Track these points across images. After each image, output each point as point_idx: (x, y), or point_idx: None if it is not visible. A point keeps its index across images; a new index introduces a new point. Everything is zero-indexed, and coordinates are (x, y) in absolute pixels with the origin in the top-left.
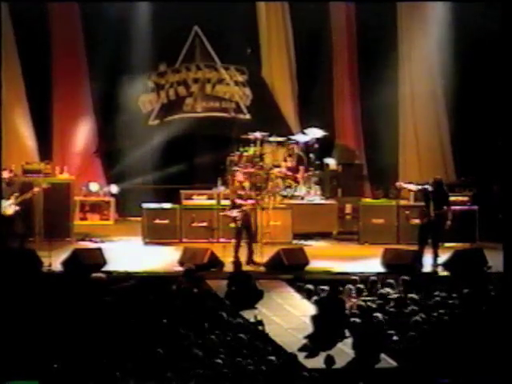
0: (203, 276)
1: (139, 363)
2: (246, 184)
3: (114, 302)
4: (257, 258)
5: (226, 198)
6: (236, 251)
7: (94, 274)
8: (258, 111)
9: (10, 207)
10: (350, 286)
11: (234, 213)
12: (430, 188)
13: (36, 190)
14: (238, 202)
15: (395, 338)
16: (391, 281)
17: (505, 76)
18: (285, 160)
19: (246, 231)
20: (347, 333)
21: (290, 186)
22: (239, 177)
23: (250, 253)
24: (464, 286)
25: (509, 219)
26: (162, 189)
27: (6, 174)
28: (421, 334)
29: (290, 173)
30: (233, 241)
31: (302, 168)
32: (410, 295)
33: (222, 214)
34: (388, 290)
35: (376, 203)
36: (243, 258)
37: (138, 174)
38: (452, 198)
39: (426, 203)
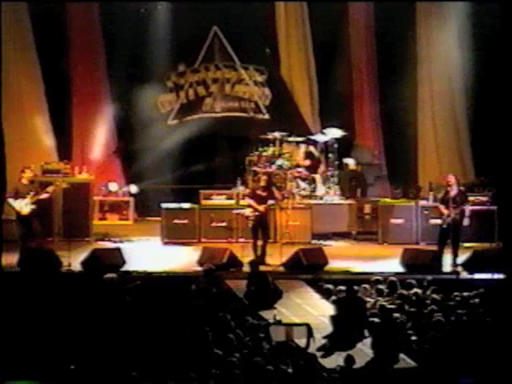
0: (222, 276)
1: (156, 364)
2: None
3: (132, 302)
4: (275, 259)
5: (244, 198)
6: (255, 251)
7: (107, 275)
8: (276, 111)
9: (26, 207)
10: (366, 286)
11: (247, 212)
12: (448, 188)
13: (51, 188)
14: (251, 203)
15: (414, 338)
16: (411, 281)
17: None
18: (304, 159)
19: (261, 231)
20: (366, 333)
21: (309, 186)
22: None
23: (263, 254)
24: (482, 286)
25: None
26: (181, 189)
27: (28, 173)
28: (440, 334)
29: (307, 172)
30: (252, 241)
31: (321, 167)
32: (430, 295)
33: (235, 212)
34: (408, 289)
35: (395, 203)
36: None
37: (157, 173)
38: (471, 198)
39: (446, 203)
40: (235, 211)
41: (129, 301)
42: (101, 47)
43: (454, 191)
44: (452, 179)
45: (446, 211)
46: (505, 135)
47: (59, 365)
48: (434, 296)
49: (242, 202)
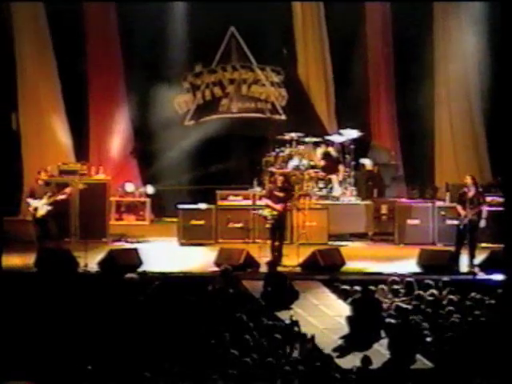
0: (239, 276)
1: (175, 363)
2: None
3: (149, 303)
4: (292, 259)
5: (261, 199)
6: (273, 251)
7: (128, 275)
8: (293, 112)
9: (42, 208)
10: (383, 287)
11: (265, 213)
12: (465, 189)
13: (68, 190)
14: (268, 202)
15: (429, 339)
16: (428, 281)
17: None
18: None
19: (278, 232)
20: (383, 334)
21: (325, 187)
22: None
23: (279, 255)
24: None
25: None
26: (197, 189)
27: (42, 175)
28: (457, 334)
29: (324, 173)
30: (268, 242)
31: (341, 167)
32: (446, 296)
33: (253, 212)
34: (424, 290)
35: (412, 204)
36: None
37: (174, 174)
38: (488, 199)
39: (463, 204)
40: (254, 212)
41: (145, 301)
42: (118, 47)
43: (471, 192)
44: (469, 180)
45: (463, 212)
46: None
47: (74, 365)
48: (451, 297)
49: (258, 203)
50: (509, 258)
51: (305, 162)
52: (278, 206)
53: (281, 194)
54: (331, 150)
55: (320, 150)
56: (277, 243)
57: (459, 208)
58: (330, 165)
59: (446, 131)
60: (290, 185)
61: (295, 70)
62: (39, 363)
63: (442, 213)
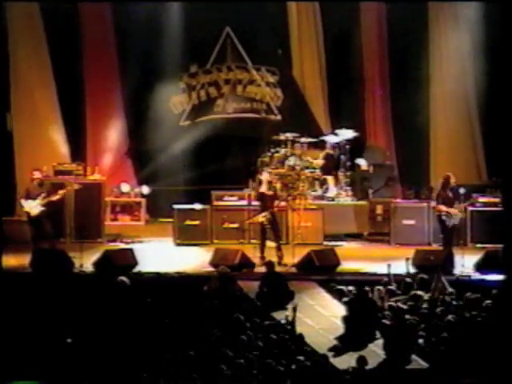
0: (234, 277)
1: (170, 363)
2: (278, 185)
3: (144, 303)
4: (287, 260)
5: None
6: (261, 251)
7: (119, 278)
8: (288, 112)
9: (35, 208)
10: (379, 287)
11: (260, 218)
12: (448, 187)
13: (62, 191)
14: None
15: (421, 340)
16: (424, 282)
17: None
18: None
19: (272, 232)
20: (378, 334)
21: (320, 187)
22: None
23: (280, 255)
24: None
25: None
26: (192, 190)
27: (37, 175)
28: (452, 335)
29: (320, 173)
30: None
31: (340, 172)
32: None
33: (248, 222)
34: (420, 291)
35: (407, 204)
36: (272, 258)
37: (169, 174)
38: (484, 200)
39: (448, 204)
40: (249, 221)
41: (140, 301)
42: (113, 48)
43: (451, 191)
44: (453, 178)
45: (452, 211)
46: None
47: (69, 365)
48: (445, 297)
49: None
50: (508, 258)
51: (300, 162)
52: (272, 209)
53: (270, 193)
54: (334, 152)
55: (323, 152)
56: (269, 244)
57: (443, 208)
58: (330, 165)
59: (442, 131)
60: (286, 184)
61: (290, 70)
62: (36, 363)
63: (437, 213)
